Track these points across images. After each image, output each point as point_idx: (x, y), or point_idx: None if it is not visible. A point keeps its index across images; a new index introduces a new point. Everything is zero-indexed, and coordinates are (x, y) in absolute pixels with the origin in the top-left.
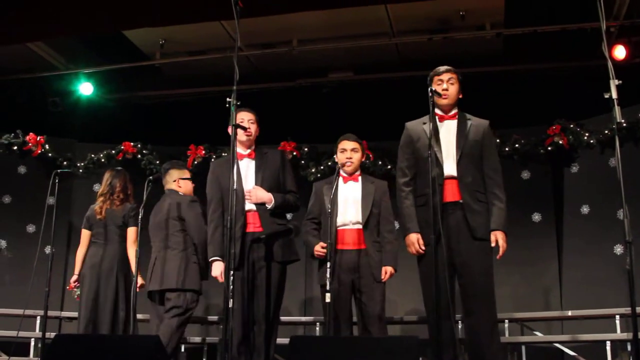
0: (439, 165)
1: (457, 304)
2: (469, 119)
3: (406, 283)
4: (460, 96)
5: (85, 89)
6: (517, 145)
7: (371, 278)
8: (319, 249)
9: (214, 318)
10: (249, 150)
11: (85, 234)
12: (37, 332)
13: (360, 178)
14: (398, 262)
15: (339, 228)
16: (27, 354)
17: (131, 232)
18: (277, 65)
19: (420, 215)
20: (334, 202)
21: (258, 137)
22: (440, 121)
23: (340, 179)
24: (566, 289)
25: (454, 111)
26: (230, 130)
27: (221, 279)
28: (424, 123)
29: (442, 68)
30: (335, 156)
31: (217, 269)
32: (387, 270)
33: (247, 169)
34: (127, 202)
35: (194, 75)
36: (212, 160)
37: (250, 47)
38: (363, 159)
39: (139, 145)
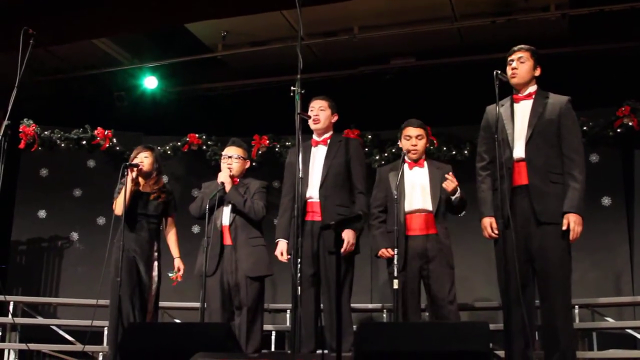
0: (509, 148)
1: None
2: (547, 97)
3: (475, 269)
4: (537, 73)
5: (150, 82)
6: (585, 128)
7: (442, 262)
8: (385, 253)
9: (281, 306)
10: (324, 137)
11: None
12: None
13: (425, 163)
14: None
15: (406, 214)
16: (100, 343)
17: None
18: (338, 53)
19: (494, 200)
20: (400, 188)
21: None
22: (517, 102)
23: (406, 164)
24: (638, 274)
25: (530, 90)
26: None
27: (281, 258)
28: (502, 105)
29: (514, 48)
30: (399, 142)
31: (278, 248)
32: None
33: (317, 156)
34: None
35: (256, 66)
36: (277, 149)
37: (312, 36)
38: (427, 145)
39: (204, 137)
